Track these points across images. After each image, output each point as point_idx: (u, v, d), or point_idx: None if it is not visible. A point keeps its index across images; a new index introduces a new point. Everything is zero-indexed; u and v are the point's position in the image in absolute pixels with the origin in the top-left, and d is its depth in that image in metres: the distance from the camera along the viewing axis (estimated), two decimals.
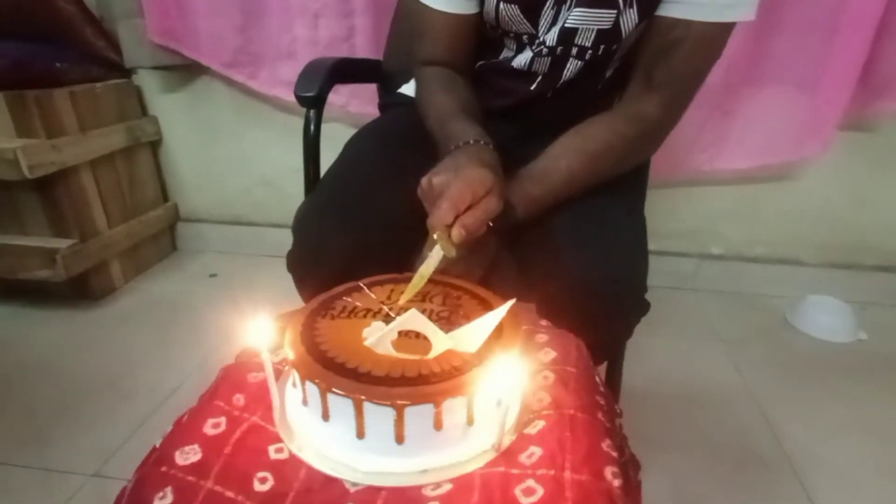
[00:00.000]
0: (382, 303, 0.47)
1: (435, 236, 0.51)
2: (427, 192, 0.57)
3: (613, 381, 0.80)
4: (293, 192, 1.30)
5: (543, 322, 0.54)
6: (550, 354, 0.49)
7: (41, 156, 1.28)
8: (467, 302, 0.47)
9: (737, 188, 1.48)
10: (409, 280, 0.49)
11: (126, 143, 1.54)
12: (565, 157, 0.65)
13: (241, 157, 1.67)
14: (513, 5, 0.70)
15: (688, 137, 1.36)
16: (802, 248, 1.54)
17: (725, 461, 1.00)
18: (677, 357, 1.28)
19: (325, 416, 0.37)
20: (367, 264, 0.65)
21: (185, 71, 1.55)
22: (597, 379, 0.49)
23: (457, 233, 0.51)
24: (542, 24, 0.70)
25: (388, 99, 0.99)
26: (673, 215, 1.53)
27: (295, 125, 1.55)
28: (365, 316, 0.44)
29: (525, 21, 0.71)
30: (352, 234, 0.66)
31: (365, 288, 0.49)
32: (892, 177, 1.42)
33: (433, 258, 0.49)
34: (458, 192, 0.52)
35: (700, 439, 1.05)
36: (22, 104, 1.28)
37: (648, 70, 0.67)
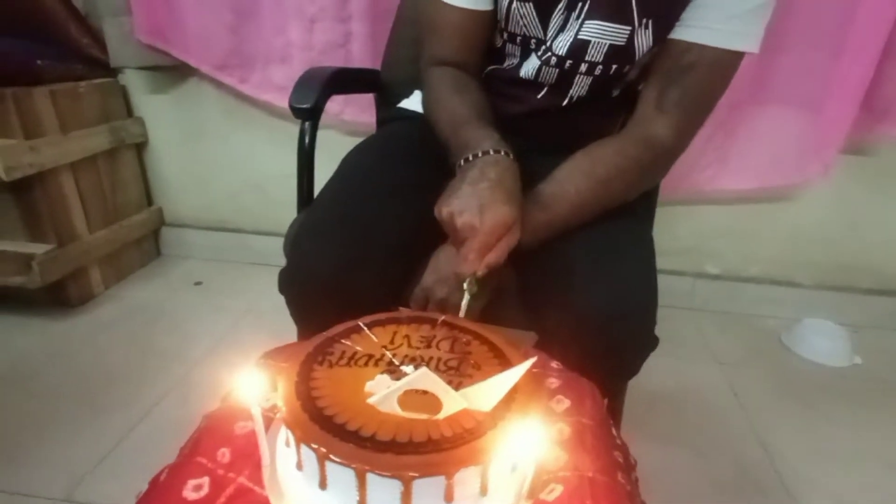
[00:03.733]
0: (385, 347, 0.43)
1: (465, 284, 0.54)
2: (450, 230, 0.57)
3: (614, 414, 0.77)
4: (282, 199, 1.26)
5: (554, 364, 0.51)
6: (564, 403, 0.45)
7: (18, 157, 1.22)
8: (477, 348, 0.43)
9: (734, 208, 1.47)
10: (411, 320, 0.45)
11: (109, 145, 1.48)
12: (573, 181, 0.63)
13: (229, 160, 1.62)
14: (528, 4, 0.67)
15: (690, 156, 1.33)
16: (798, 270, 1.53)
17: (720, 485, 0.98)
18: (673, 377, 1.26)
19: (323, 484, 0.33)
20: (362, 287, 0.62)
21: (173, 71, 1.49)
22: (613, 431, 0.46)
23: (482, 273, 0.53)
24: (551, 26, 0.68)
25: (387, 113, 0.95)
26: (670, 233, 1.51)
27: (285, 129, 1.51)
28: (366, 364, 0.40)
29: (538, 22, 0.68)
30: (348, 256, 0.62)
31: (366, 329, 0.45)
32: (888, 201, 1.42)
33: (465, 303, 0.54)
34: (486, 240, 0.54)
35: (695, 462, 1.03)
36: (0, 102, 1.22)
37: (660, 93, 0.65)
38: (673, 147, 0.67)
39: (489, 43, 0.76)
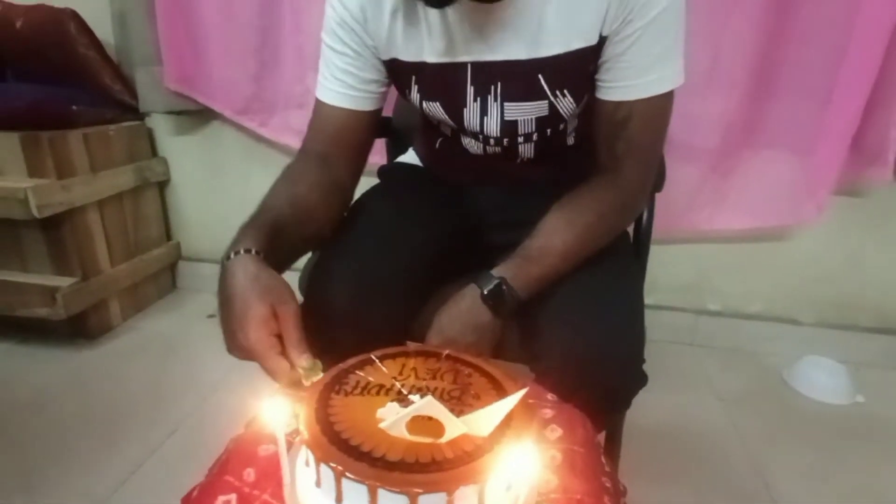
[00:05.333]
0: (395, 378, 0.47)
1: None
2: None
3: (613, 449, 0.80)
4: None
5: (549, 396, 0.55)
6: (556, 432, 0.49)
7: (51, 196, 1.30)
8: (477, 380, 0.48)
9: (733, 246, 1.51)
10: (418, 353, 0.50)
11: (135, 184, 1.56)
12: (559, 233, 0.66)
13: (247, 198, 1.63)
14: (434, 103, 0.72)
15: (686, 196, 1.40)
16: (799, 307, 1.55)
17: None
18: (674, 413, 1.28)
19: (339, 499, 0.38)
20: (375, 322, 0.67)
21: (196, 115, 1.59)
22: (602, 459, 0.50)
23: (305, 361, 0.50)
24: (466, 117, 0.71)
25: (389, 165, 1.01)
26: (671, 270, 1.55)
27: None
28: (378, 393, 0.45)
29: (448, 118, 0.73)
30: (361, 294, 0.67)
31: (377, 361, 0.50)
32: (886, 240, 1.45)
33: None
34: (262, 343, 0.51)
35: (695, 499, 1.04)
36: (36, 144, 1.31)
37: (609, 148, 0.69)
38: (640, 188, 0.72)
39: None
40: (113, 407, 1.23)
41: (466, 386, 0.47)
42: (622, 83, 0.65)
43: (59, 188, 1.32)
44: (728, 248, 1.52)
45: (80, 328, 1.47)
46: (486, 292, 0.65)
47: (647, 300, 1.73)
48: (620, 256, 0.75)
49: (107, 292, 1.51)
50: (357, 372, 0.48)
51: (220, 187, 1.70)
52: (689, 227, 1.43)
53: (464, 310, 0.66)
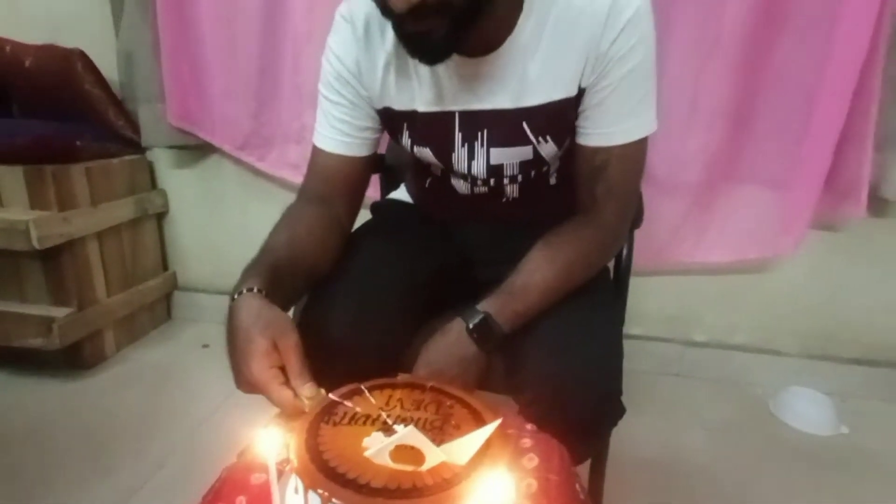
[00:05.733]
0: (382, 409, 0.50)
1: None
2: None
3: (597, 479, 0.82)
4: None
5: (528, 426, 0.58)
6: (534, 461, 0.52)
7: (51, 228, 1.33)
8: (458, 411, 0.51)
9: (717, 277, 1.55)
10: (405, 385, 0.53)
11: (134, 215, 1.60)
12: (540, 270, 0.70)
13: (244, 229, 1.73)
14: (425, 148, 0.76)
15: (669, 230, 1.45)
16: (782, 338, 1.59)
17: None
18: (660, 443, 1.30)
19: None
20: (367, 351, 0.69)
21: (196, 149, 1.64)
22: (577, 487, 0.52)
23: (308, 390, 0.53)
24: (454, 161, 0.76)
25: (381, 201, 1.06)
26: (656, 301, 1.59)
27: None
28: (364, 423, 0.48)
29: (438, 161, 0.77)
30: (353, 325, 0.70)
31: (366, 392, 0.53)
32: (865, 273, 1.49)
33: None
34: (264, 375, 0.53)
35: None
36: (39, 178, 1.35)
37: (589, 190, 0.73)
38: (618, 227, 0.76)
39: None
40: (106, 436, 1.24)
41: (448, 416, 0.50)
42: (600, 130, 0.70)
43: (60, 220, 1.35)
44: (712, 280, 1.56)
45: (73, 358, 1.48)
46: (471, 326, 0.68)
47: (634, 330, 1.76)
48: (600, 292, 0.78)
49: (102, 322, 1.52)
50: (346, 402, 0.51)
51: (217, 218, 1.74)
52: (672, 259, 1.48)
53: (450, 342, 0.69)
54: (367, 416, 0.49)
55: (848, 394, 1.53)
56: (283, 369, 0.55)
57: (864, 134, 1.28)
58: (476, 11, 0.60)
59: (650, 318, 1.60)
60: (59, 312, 1.41)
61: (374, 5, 0.62)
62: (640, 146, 0.71)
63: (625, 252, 0.91)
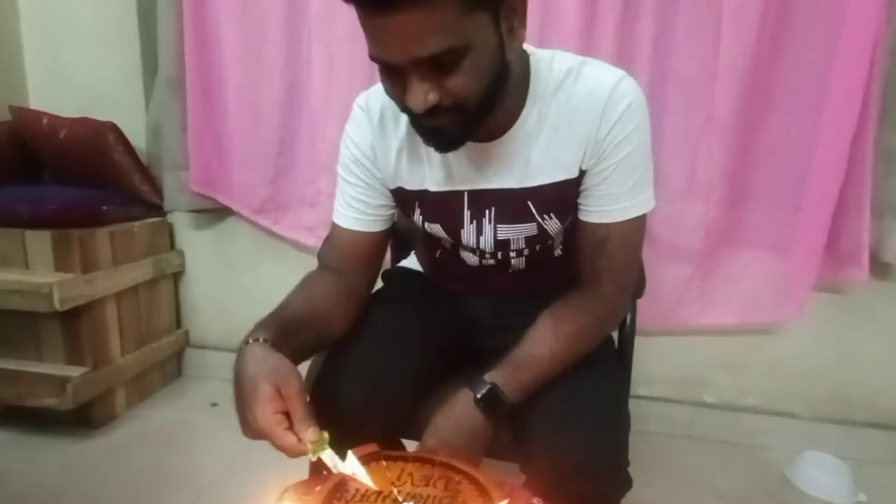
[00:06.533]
0: (393, 484, 0.52)
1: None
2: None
3: None
4: None
5: (535, 500, 0.59)
6: None
7: (74, 290, 1.37)
8: (466, 487, 0.52)
9: (727, 339, 1.55)
10: (417, 459, 0.55)
11: (152, 276, 1.65)
12: (546, 341, 0.73)
13: (258, 289, 1.78)
14: (435, 224, 0.81)
15: (674, 293, 1.47)
16: (794, 401, 1.57)
17: None
18: None
19: None
20: (377, 421, 0.71)
21: (214, 212, 1.71)
22: None
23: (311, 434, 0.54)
24: (464, 236, 0.80)
25: (392, 269, 1.10)
26: (665, 362, 1.59)
27: (311, 263, 1.65)
28: (375, 500, 0.50)
29: (447, 236, 0.82)
30: (364, 397, 0.73)
31: (382, 462, 0.55)
32: (873, 336, 1.48)
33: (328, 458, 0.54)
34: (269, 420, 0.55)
35: None
36: (66, 242, 1.41)
37: (591, 265, 0.77)
38: (618, 300, 0.79)
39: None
40: (114, 498, 1.24)
41: (456, 493, 0.51)
42: (600, 208, 0.74)
43: (83, 282, 1.40)
44: (721, 342, 1.56)
45: (84, 417, 1.49)
46: (478, 396, 0.70)
47: (644, 392, 1.74)
48: (604, 362, 0.81)
49: (115, 381, 1.54)
50: (357, 477, 0.53)
51: (231, 277, 1.79)
52: (678, 323, 1.49)
53: (458, 413, 0.71)
54: (378, 494, 0.51)
55: (864, 459, 1.49)
56: (287, 415, 0.57)
57: (861, 201, 1.32)
58: (487, 110, 0.66)
59: (659, 379, 1.60)
60: (74, 372, 1.43)
61: (389, 97, 0.68)
62: (638, 223, 0.75)
63: (628, 320, 0.94)
